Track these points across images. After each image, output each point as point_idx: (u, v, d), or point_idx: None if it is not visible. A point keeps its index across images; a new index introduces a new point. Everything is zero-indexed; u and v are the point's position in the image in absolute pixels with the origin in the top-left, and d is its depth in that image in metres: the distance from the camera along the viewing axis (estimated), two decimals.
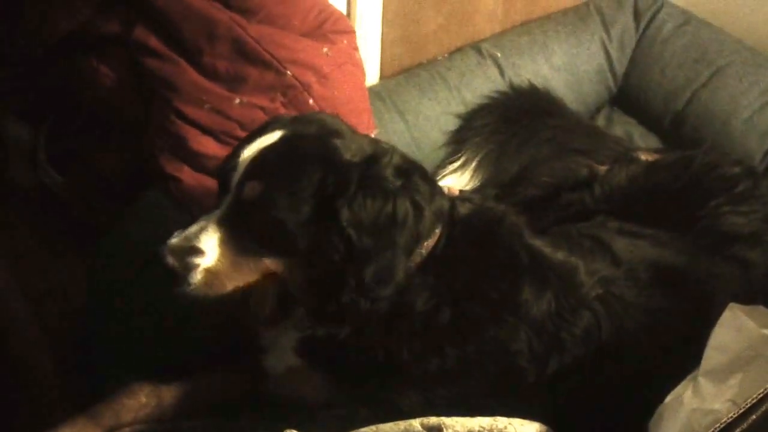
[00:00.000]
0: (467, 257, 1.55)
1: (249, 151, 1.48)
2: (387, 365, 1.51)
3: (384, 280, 1.45)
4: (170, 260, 1.44)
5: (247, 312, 1.60)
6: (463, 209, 1.59)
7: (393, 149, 1.57)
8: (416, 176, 1.52)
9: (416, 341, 1.50)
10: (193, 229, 1.47)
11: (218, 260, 1.45)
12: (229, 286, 1.47)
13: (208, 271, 1.45)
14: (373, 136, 2.11)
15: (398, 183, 1.47)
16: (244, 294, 1.53)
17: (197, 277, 1.44)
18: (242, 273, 1.48)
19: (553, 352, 1.53)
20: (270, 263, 1.48)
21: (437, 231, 1.53)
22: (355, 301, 1.47)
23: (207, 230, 1.46)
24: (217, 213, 1.47)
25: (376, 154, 1.51)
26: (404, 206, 1.46)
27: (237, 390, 1.72)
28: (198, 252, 1.44)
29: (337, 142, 1.49)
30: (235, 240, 1.46)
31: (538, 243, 1.61)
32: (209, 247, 1.45)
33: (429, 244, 1.51)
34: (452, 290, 1.51)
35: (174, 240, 1.45)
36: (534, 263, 1.56)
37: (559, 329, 1.53)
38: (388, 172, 1.48)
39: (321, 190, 1.43)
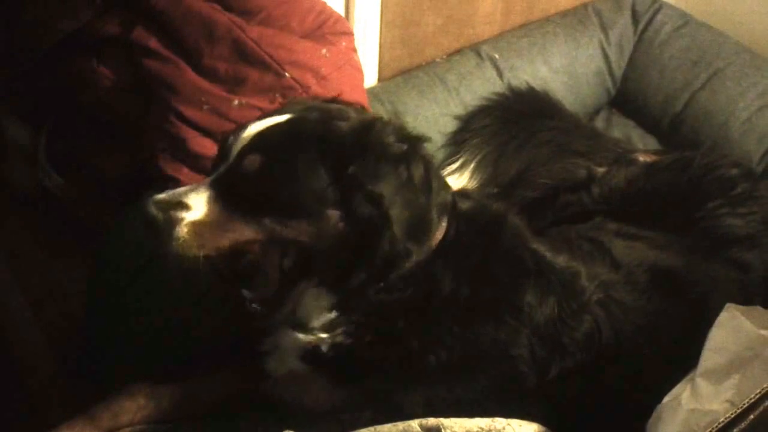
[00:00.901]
0: (474, 250, 1.53)
1: (253, 128, 1.47)
2: (391, 361, 1.50)
3: (416, 236, 1.43)
4: (153, 211, 1.39)
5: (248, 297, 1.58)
6: (464, 205, 1.58)
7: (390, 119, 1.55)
8: (420, 144, 1.50)
9: (429, 327, 1.48)
10: (183, 188, 1.45)
11: (205, 216, 1.41)
12: (217, 244, 1.42)
13: (194, 225, 1.40)
14: None
15: (404, 147, 1.45)
16: (244, 278, 1.51)
17: (182, 230, 1.39)
18: (231, 232, 1.42)
19: (555, 356, 1.52)
20: (264, 228, 1.43)
21: (443, 224, 1.51)
22: (374, 278, 1.44)
23: (197, 189, 1.43)
24: (211, 177, 1.46)
25: (371, 118, 1.50)
26: (419, 170, 1.44)
27: (237, 392, 1.72)
28: (184, 206, 1.41)
29: (339, 123, 1.47)
30: (226, 200, 1.42)
31: (542, 248, 1.60)
32: (197, 203, 1.41)
33: (438, 235, 1.49)
34: (459, 285, 1.49)
35: (161, 195, 1.43)
36: (538, 268, 1.55)
37: (561, 334, 1.53)
38: (390, 138, 1.45)
39: (323, 161, 1.41)
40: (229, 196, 1.42)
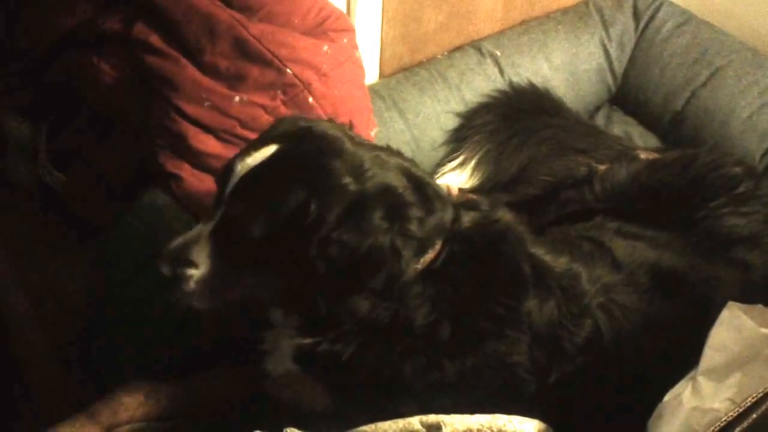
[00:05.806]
0: (467, 273, 1.50)
1: (242, 166, 1.45)
2: (385, 377, 1.49)
3: (348, 315, 1.45)
4: (165, 270, 1.45)
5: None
6: (467, 221, 1.54)
7: (394, 175, 1.48)
8: (408, 215, 1.44)
9: (417, 356, 1.47)
10: (189, 237, 1.47)
11: (209, 273, 1.45)
12: (224, 298, 1.48)
13: (202, 283, 1.45)
14: (372, 134, 2.11)
15: (384, 225, 1.41)
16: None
17: (191, 288, 1.45)
18: (234, 287, 1.48)
19: (556, 362, 1.52)
20: (253, 280, 1.47)
21: (437, 246, 1.48)
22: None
23: (199, 242, 1.46)
24: (210, 224, 1.47)
25: (367, 193, 1.42)
26: (381, 252, 1.40)
27: (237, 390, 1.72)
28: (191, 264, 1.45)
29: (335, 164, 1.43)
30: (224, 254, 1.45)
31: (541, 251, 1.59)
32: (201, 259, 1.45)
33: (427, 258, 1.47)
34: (452, 305, 1.47)
35: (169, 248, 1.47)
36: (536, 274, 1.54)
37: (561, 339, 1.52)
38: (376, 215, 1.40)
39: (301, 216, 1.38)
40: (226, 247, 1.45)
